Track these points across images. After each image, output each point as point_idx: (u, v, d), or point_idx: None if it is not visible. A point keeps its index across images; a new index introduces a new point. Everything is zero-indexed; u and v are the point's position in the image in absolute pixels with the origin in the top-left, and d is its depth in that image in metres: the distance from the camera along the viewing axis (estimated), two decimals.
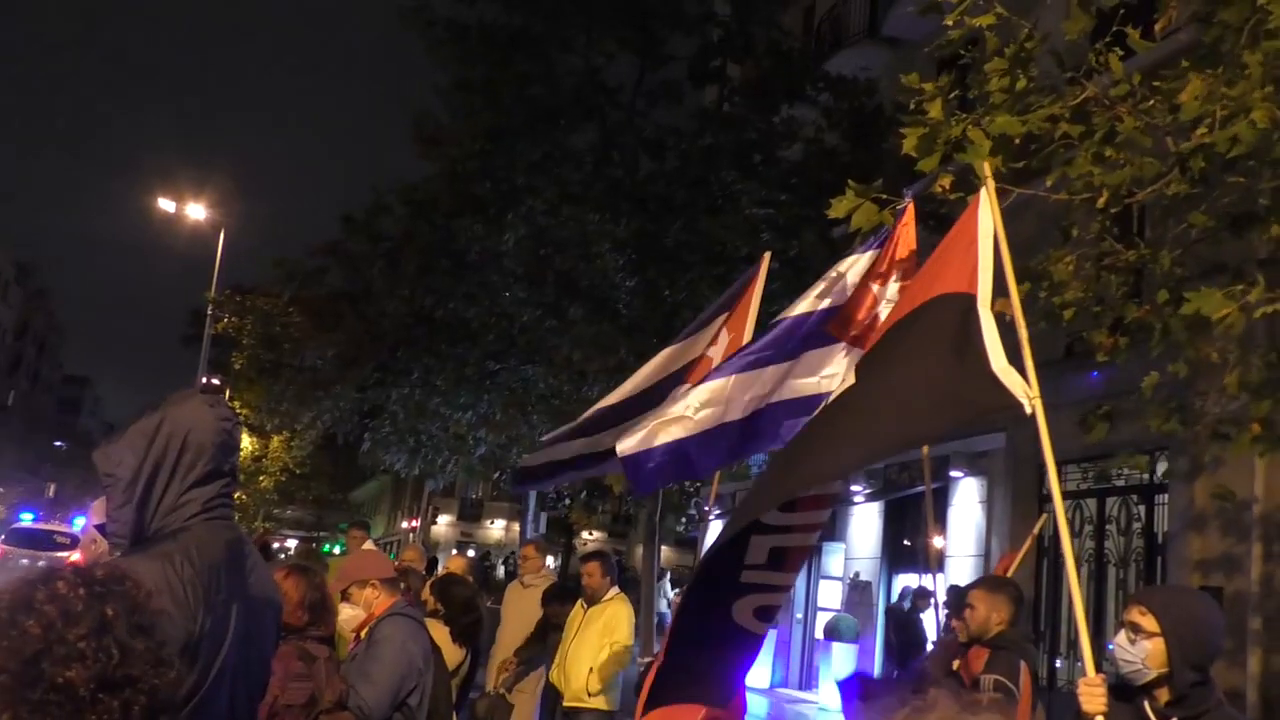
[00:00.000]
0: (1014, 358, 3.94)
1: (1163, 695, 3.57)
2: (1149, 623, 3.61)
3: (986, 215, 4.27)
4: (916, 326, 4.22)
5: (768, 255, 7.11)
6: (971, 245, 4.23)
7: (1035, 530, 9.12)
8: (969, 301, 4.09)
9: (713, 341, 7.02)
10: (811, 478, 4.32)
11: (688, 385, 6.64)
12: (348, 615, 5.02)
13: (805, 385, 5.48)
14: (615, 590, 8.31)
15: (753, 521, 4.51)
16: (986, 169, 4.36)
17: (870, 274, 5.43)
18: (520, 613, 9.00)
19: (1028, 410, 3.90)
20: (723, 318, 7.00)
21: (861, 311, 5.44)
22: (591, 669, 7.96)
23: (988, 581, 6.15)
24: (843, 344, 5.48)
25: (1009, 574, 7.01)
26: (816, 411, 4.50)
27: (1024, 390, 3.98)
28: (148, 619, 1.84)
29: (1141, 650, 3.58)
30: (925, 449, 5.83)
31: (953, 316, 4.10)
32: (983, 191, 4.35)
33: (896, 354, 4.21)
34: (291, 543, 46.21)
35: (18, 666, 1.69)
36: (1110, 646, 3.83)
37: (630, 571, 26.43)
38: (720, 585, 4.78)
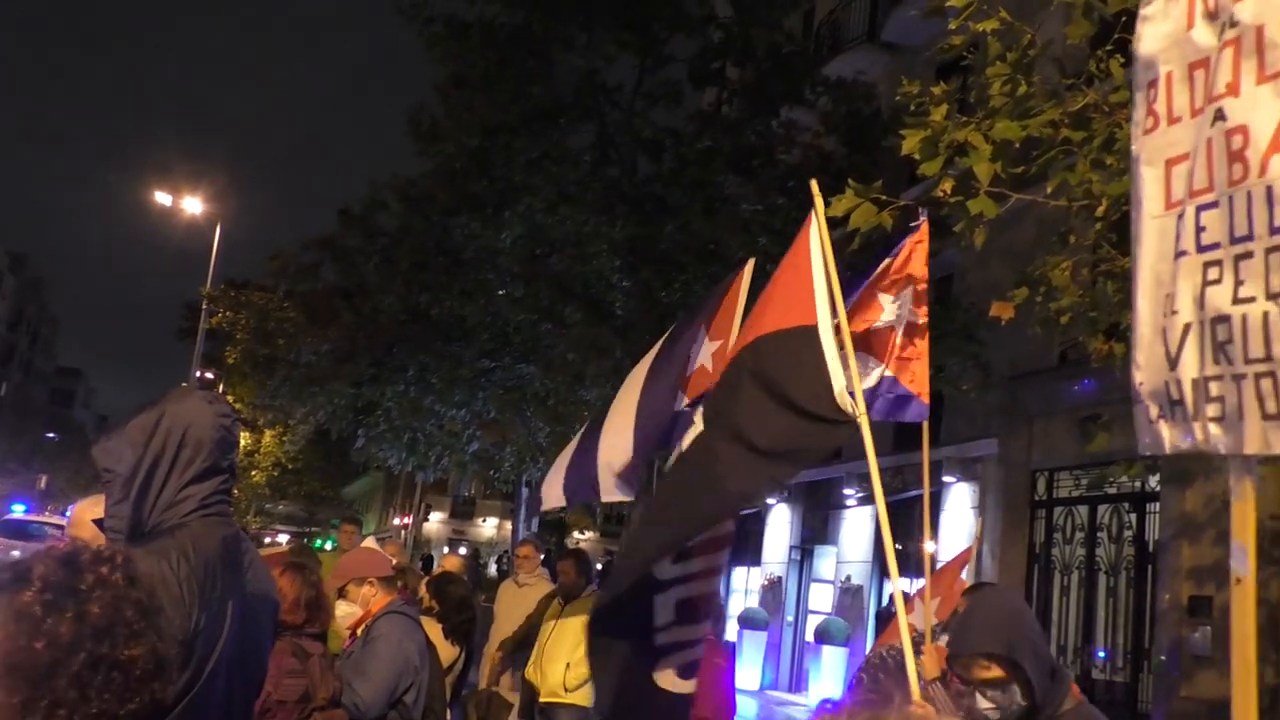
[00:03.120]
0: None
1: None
2: (995, 670, 3.48)
3: (817, 242, 4.37)
4: (759, 365, 4.22)
5: (752, 261, 7.13)
6: (806, 275, 4.31)
7: (978, 533, 9.10)
8: (811, 334, 4.12)
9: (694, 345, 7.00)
10: (689, 527, 4.28)
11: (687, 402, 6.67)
12: (344, 612, 5.02)
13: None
14: (592, 588, 8.35)
15: (649, 582, 4.38)
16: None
17: (878, 281, 5.46)
18: (514, 612, 9.01)
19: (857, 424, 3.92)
20: (700, 323, 6.99)
21: (867, 313, 5.47)
22: (568, 665, 8.01)
23: (972, 587, 6.13)
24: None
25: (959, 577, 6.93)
26: (672, 461, 4.45)
27: (852, 408, 3.93)
28: (158, 606, 1.90)
29: (1011, 695, 3.49)
30: (925, 456, 5.83)
31: (794, 350, 4.13)
32: (812, 216, 4.44)
33: (743, 396, 4.20)
34: (283, 538, 46.18)
35: (90, 646, 1.75)
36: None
37: None
38: (636, 654, 4.51)
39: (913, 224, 5.52)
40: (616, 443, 6.35)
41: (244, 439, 42.54)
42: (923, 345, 5.47)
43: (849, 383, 4.09)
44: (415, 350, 17.76)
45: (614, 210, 15.78)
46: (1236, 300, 2.80)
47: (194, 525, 2.59)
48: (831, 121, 16.58)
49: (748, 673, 19.11)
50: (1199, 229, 2.95)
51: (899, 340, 5.50)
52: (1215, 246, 2.88)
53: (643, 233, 15.65)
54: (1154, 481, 11.96)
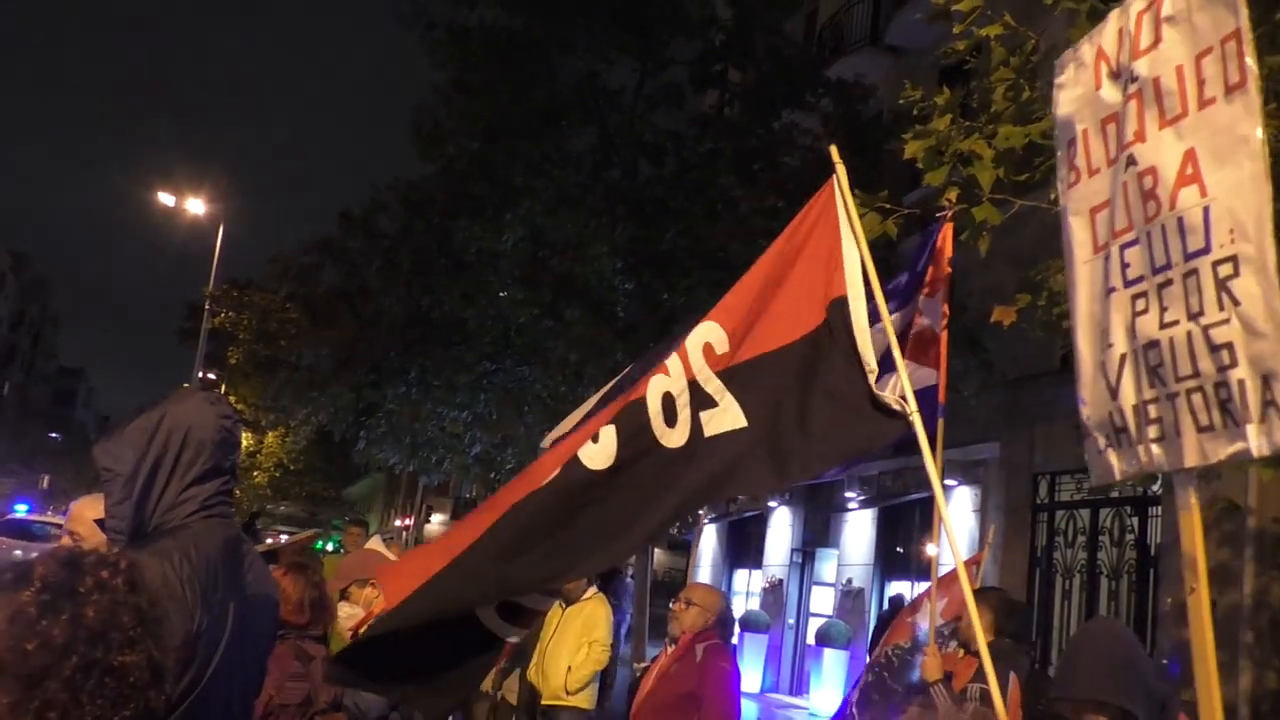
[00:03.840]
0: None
1: None
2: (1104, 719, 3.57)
3: (842, 209, 4.33)
4: (795, 357, 4.16)
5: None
6: (835, 249, 4.22)
7: (989, 538, 9.12)
8: (843, 304, 4.07)
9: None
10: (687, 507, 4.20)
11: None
12: (346, 614, 5.03)
13: None
14: (593, 590, 8.38)
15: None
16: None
17: (920, 288, 5.51)
18: None
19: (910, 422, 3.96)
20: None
21: (917, 319, 5.53)
22: (570, 668, 8.04)
23: (975, 592, 6.12)
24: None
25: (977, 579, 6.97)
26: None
27: (901, 406, 3.94)
28: (162, 614, 1.89)
29: None
30: (939, 458, 5.85)
31: (832, 321, 4.07)
32: (834, 183, 4.40)
33: (781, 386, 4.12)
34: (284, 538, 46.13)
35: (82, 649, 1.74)
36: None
37: (619, 575, 26.41)
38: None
39: (939, 215, 5.54)
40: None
41: (246, 439, 42.62)
42: (942, 347, 5.52)
43: (899, 380, 4.11)
44: (416, 352, 17.77)
45: (615, 213, 15.78)
46: (1163, 325, 3.04)
47: (196, 526, 2.60)
48: (832, 123, 16.57)
49: (749, 676, 19.11)
50: (1124, 265, 3.23)
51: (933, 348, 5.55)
52: (1140, 279, 3.15)
53: (644, 235, 15.65)
54: (1156, 485, 11.96)
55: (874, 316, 4.16)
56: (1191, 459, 2.98)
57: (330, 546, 38.61)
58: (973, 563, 7.47)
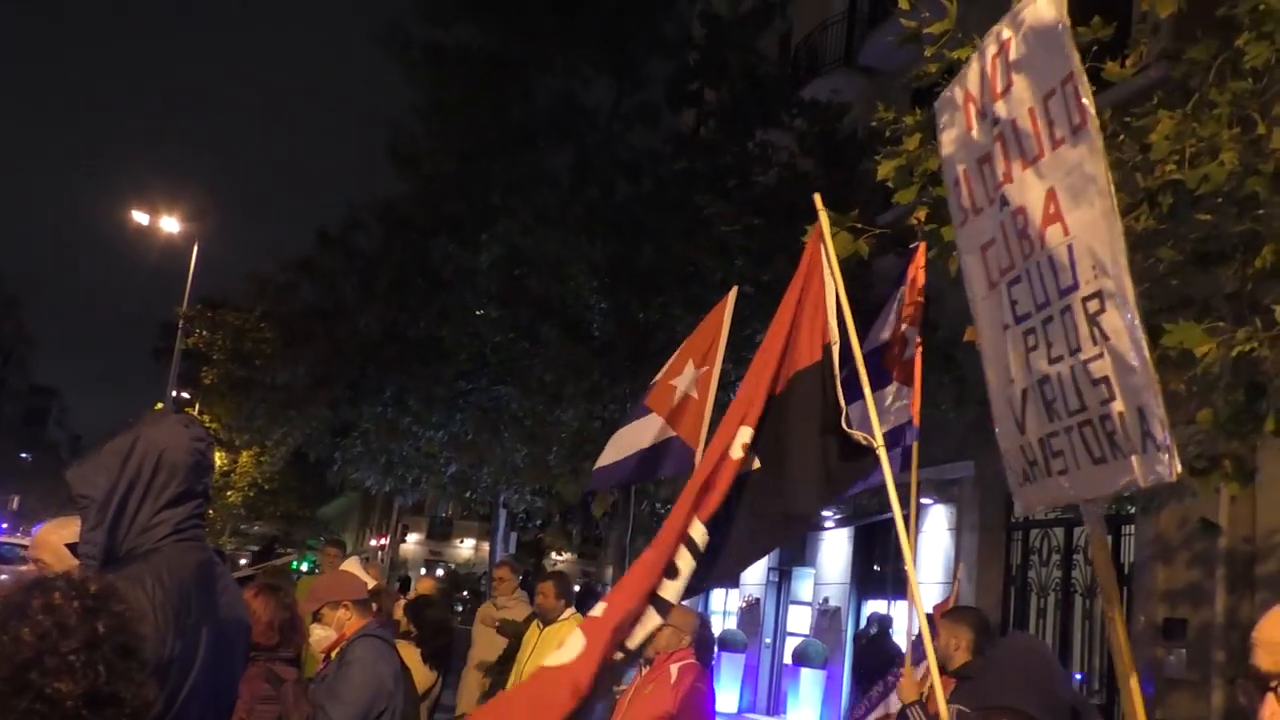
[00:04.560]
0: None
1: None
2: None
3: (827, 264, 4.62)
4: (794, 400, 4.48)
5: (734, 290, 7.27)
6: (821, 301, 4.57)
7: (958, 574, 9.19)
8: (829, 355, 4.44)
9: (676, 372, 7.23)
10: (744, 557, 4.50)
11: (652, 414, 6.99)
12: (319, 636, 4.99)
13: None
14: (571, 611, 8.32)
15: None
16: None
17: (899, 315, 5.68)
18: (493, 635, 8.97)
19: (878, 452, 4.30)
20: (683, 348, 7.21)
21: (896, 348, 5.77)
22: None
23: (951, 611, 6.15)
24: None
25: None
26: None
27: (866, 440, 4.30)
28: (134, 641, 1.84)
29: None
30: (914, 478, 5.92)
31: (818, 376, 4.44)
32: (820, 245, 4.66)
33: (781, 432, 4.45)
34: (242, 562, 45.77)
35: (8, 672, 1.69)
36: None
37: (597, 594, 26.33)
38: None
39: (912, 246, 5.66)
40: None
41: (220, 459, 42.34)
42: (918, 369, 5.62)
43: (867, 413, 4.41)
44: (392, 371, 17.72)
45: (592, 231, 15.80)
46: (1051, 361, 3.10)
47: (168, 550, 2.58)
48: (806, 142, 16.64)
49: (725, 695, 19.07)
50: (1013, 303, 3.29)
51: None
52: (1028, 316, 3.21)
53: (621, 253, 15.67)
54: (1131, 509, 12.03)
55: (846, 357, 4.51)
56: (1090, 490, 3.03)
57: (305, 566, 38.38)
58: (942, 608, 7.52)
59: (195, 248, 30.84)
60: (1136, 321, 2.75)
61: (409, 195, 18.36)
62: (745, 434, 4.44)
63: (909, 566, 4.54)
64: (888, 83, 18.59)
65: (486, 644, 9.00)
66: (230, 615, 2.75)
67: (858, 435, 4.31)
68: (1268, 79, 5.31)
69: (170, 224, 31.53)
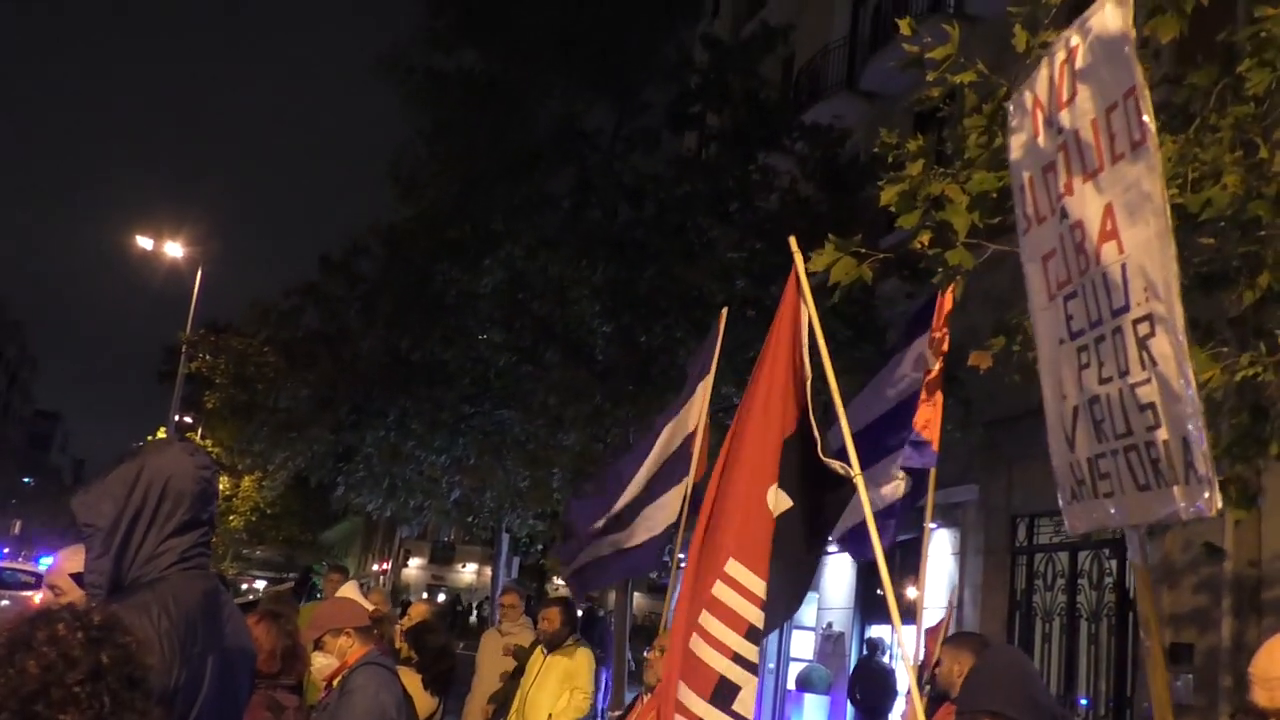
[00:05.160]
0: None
1: None
2: None
3: (797, 294, 4.90)
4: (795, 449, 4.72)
5: (724, 312, 7.30)
6: (797, 341, 4.83)
7: (951, 600, 9.14)
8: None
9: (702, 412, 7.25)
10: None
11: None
12: (321, 664, 4.97)
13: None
14: (576, 636, 8.29)
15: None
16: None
17: (927, 345, 5.85)
18: (497, 661, 8.93)
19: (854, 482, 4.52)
20: (703, 384, 7.20)
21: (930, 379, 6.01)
22: (550, 715, 7.93)
23: (953, 636, 6.13)
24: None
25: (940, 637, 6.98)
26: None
27: (844, 470, 4.48)
28: (139, 671, 1.84)
29: None
30: (930, 500, 6.00)
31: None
32: (795, 278, 4.94)
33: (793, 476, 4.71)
34: (260, 584, 45.71)
35: (14, 705, 1.69)
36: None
37: (600, 619, 26.25)
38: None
39: (933, 297, 5.85)
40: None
41: (223, 484, 42.29)
42: (938, 395, 5.68)
43: (842, 442, 4.50)
44: (395, 395, 17.71)
45: (594, 254, 15.81)
46: (1101, 381, 3.03)
47: (174, 579, 2.58)
48: (808, 166, 16.67)
49: None
50: (1068, 317, 3.22)
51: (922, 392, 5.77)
52: (1082, 333, 3.15)
53: (623, 277, 15.68)
54: None
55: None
56: (1135, 517, 2.95)
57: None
58: (935, 631, 7.50)
59: (199, 272, 30.93)
60: (1185, 348, 2.68)
61: (411, 219, 18.38)
62: (773, 491, 4.61)
63: (889, 597, 4.54)
64: (889, 107, 18.66)
65: (492, 670, 8.97)
66: (235, 644, 2.74)
67: (835, 465, 4.42)
68: (1269, 104, 5.33)
69: (174, 249, 31.64)
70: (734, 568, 4.46)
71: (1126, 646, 12.76)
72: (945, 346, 5.85)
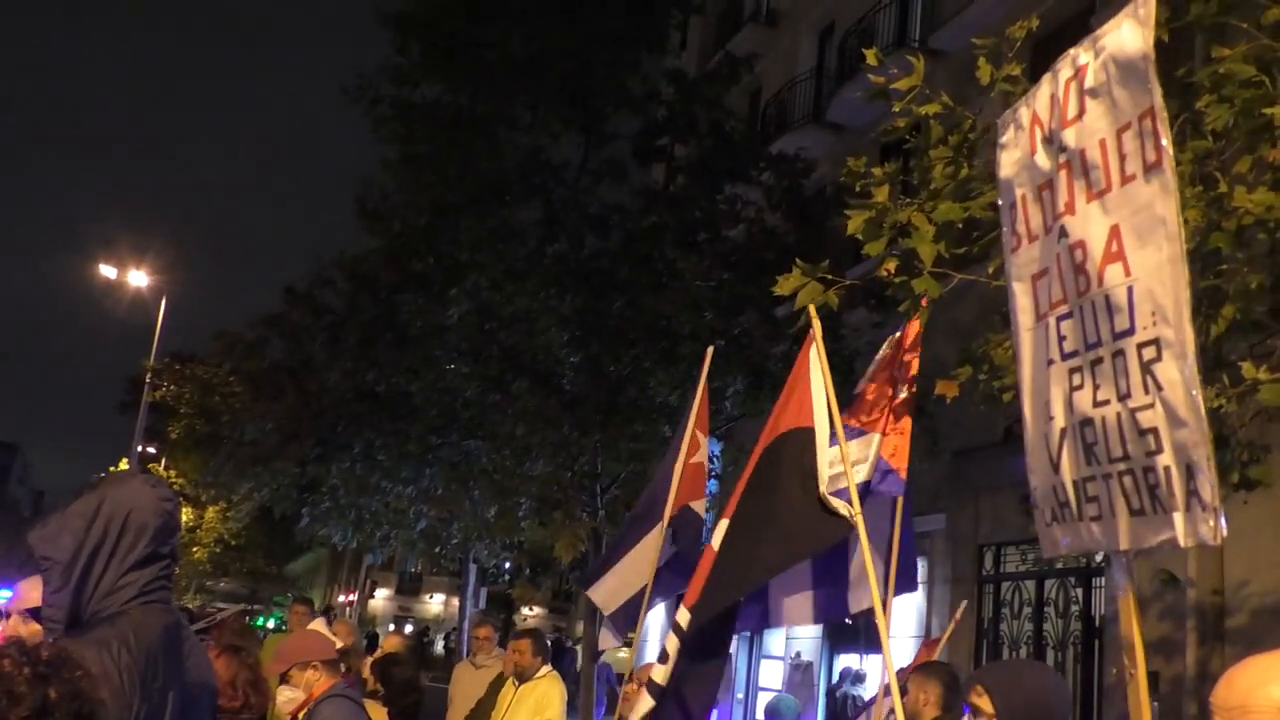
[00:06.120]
0: None
1: None
2: (985, 704, 3.64)
3: (816, 358, 5.02)
4: (770, 461, 4.91)
5: (710, 350, 7.27)
6: (806, 384, 4.98)
7: (958, 615, 9.19)
8: (809, 434, 4.79)
9: (694, 449, 7.14)
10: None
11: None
12: (287, 697, 4.91)
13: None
14: (547, 668, 8.23)
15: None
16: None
17: (892, 372, 5.87)
18: (470, 694, 8.86)
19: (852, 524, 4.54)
20: (692, 422, 7.13)
21: (873, 398, 5.98)
22: None
23: (922, 666, 6.13)
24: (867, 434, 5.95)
25: (934, 657, 7.01)
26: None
27: (847, 510, 4.52)
28: (89, 707, 1.81)
29: None
30: (897, 529, 6.02)
31: (795, 449, 4.80)
32: (812, 336, 5.09)
33: (758, 489, 4.90)
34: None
35: None
36: None
37: (569, 650, 26.10)
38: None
39: (900, 330, 5.94)
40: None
41: (186, 515, 41.86)
42: (907, 422, 5.71)
43: (846, 484, 4.66)
44: (362, 427, 17.60)
45: (562, 285, 15.81)
46: (1096, 403, 2.99)
47: (134, 613, 2.54)
48: (774, 196, 16.76)
49: None
50: (1060, 338, 3.18)
51: (890, 418, 5.81)
52: (1075, 354, 3.10)
53: (591, 307, 15.69)
54: (1099, 556, 12.05)
55: (832, 439, 4.83)
56: (1124, 542, 2.93)
57: (272, 624, 37.88)
58: (932, 645, 7.51)
59: (163, 301, 30.70)
60: (1194, 375, 2.65)
61: (377, 250, 18.30)
62: (723, 526, 4.68)
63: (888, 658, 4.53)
64: (856, 139, 18.81)
65: (465, 703, 8.90)
66: (197, 679, 2.70)
67: (839, 505, 4.46)
68: (1228, 139, 5.40)
69: (138, 278, 31.39)
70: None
71: (1093, 675, 12.81)
72: (914, 370, 5.87)
